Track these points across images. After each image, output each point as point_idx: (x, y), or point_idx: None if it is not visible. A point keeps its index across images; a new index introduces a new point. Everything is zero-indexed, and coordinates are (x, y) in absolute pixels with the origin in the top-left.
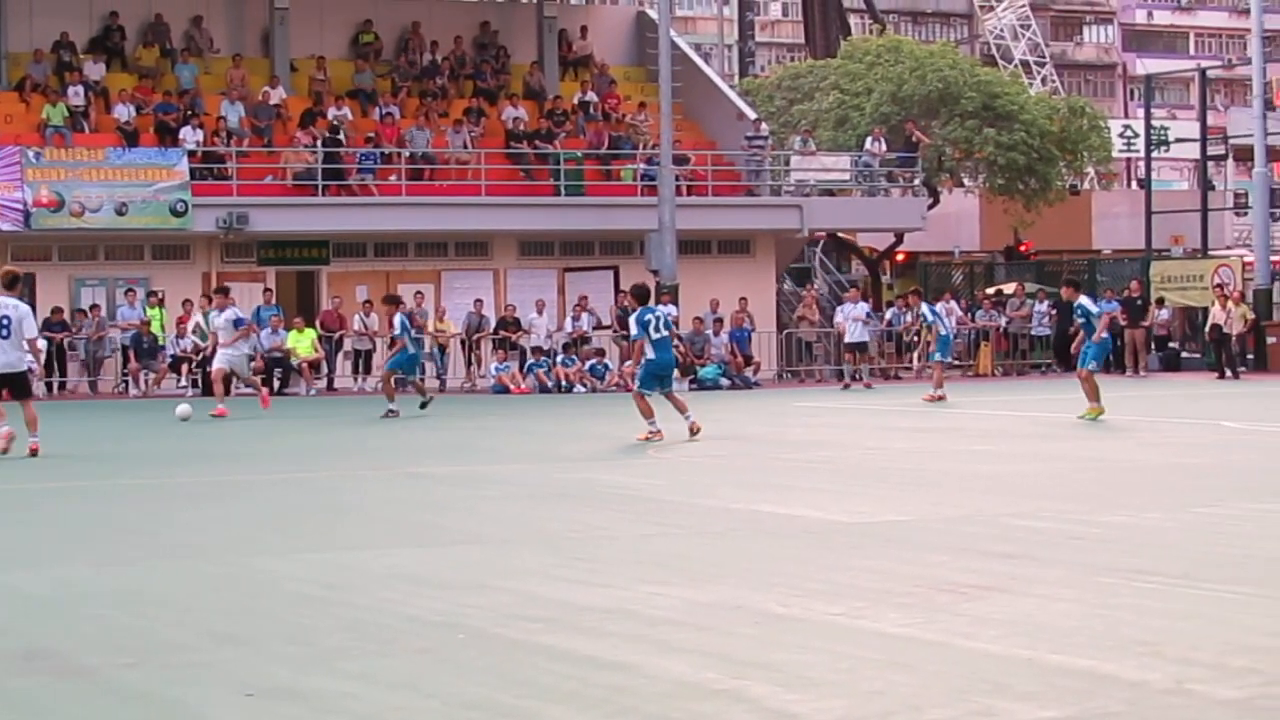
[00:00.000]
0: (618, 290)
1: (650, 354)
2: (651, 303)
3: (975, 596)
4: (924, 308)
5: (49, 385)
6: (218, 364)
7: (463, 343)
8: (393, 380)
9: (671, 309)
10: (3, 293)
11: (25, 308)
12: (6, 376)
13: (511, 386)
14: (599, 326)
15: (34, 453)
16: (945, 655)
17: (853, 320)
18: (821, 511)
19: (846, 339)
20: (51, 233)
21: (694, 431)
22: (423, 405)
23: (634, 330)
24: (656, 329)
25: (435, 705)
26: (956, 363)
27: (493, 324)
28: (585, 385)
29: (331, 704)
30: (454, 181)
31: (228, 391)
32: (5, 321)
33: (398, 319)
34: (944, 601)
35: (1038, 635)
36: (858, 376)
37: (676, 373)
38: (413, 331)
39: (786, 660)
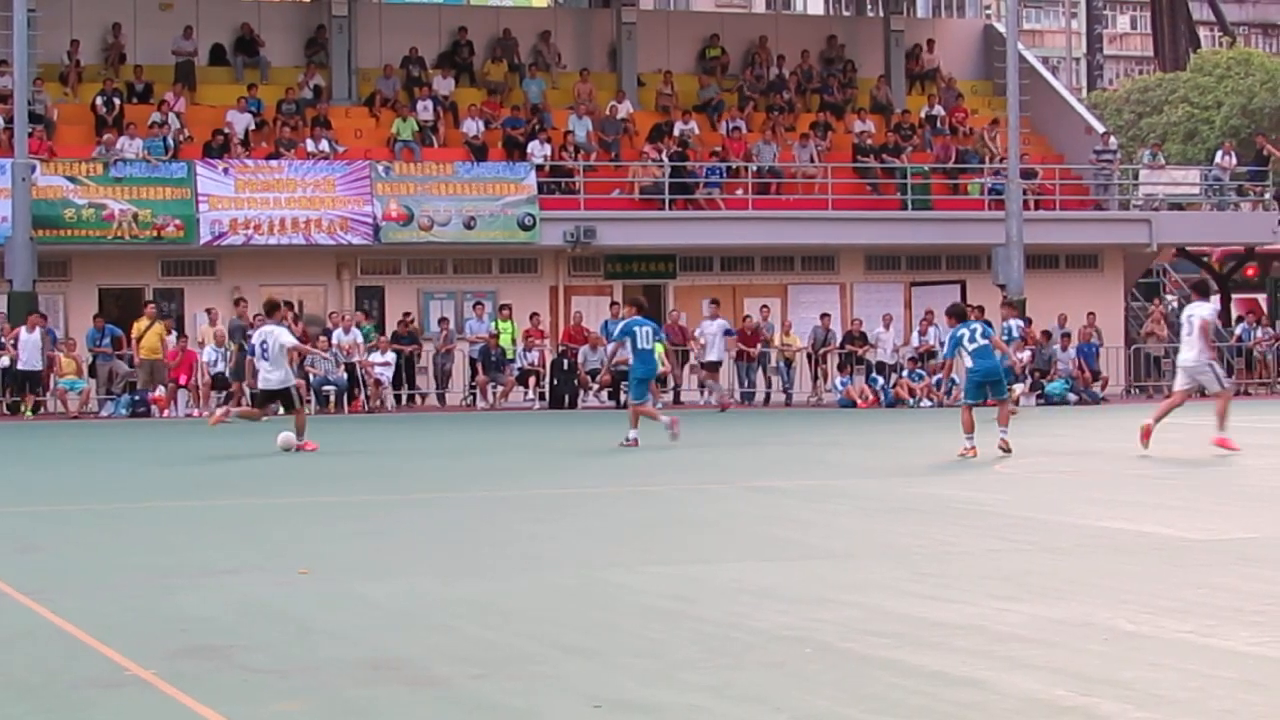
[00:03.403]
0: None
1: (969, 363)
2: (971, 318)
3: None
4: None
5: (397, 398)
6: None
7: (809, 356)
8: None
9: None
10: (265, 320)
11: (282, 330)
12: (274, 393)
13: (858, 400)
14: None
15: (306, 449)
16: None
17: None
18: (1171, 528)
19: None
20: (400, 246)
21: (1004, 449)
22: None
23: (946, 349)
24: (972, 339)
25: (780, 718)
26: None
27: (839, 338)
28: (931, 400)
29: (678, 716)
30: (800, 195)
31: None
32: (265, 346)
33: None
34: None
35: None
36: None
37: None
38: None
39: (1136, 678)
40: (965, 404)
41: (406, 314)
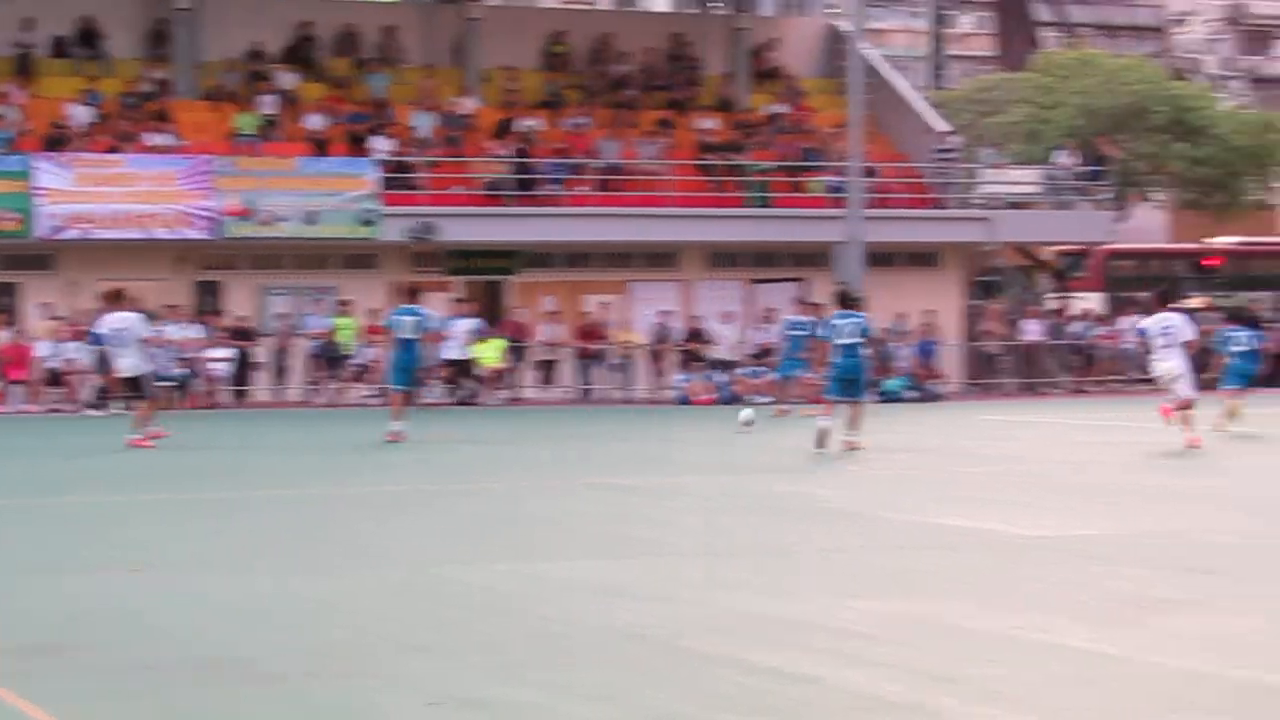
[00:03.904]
0: (800, 301)
1: (836, 358)
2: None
3: (1162, 611)
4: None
5: (238, 394)
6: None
7: (648, 353)
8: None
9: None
10: (112, 308)
11: (137, 317)
12: (133, 380)
13: (696, 397)
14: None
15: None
16: (1131, 671)
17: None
18: (1009, 525)
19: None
20: (241, 241)
21: (851, 449)
22: None
23: (823, 332)
24: (839, 334)
25: (621, 716)
26: (1142, 378)
27: (679, 335)
28: (769, 396)
29: (517, 714)
30: (643, 192)
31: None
32: (120, 333)
33: None
34: (1130, 616)
35: (1225, 651)
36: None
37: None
38: None
39: (972, 674)
40: (829, 399)
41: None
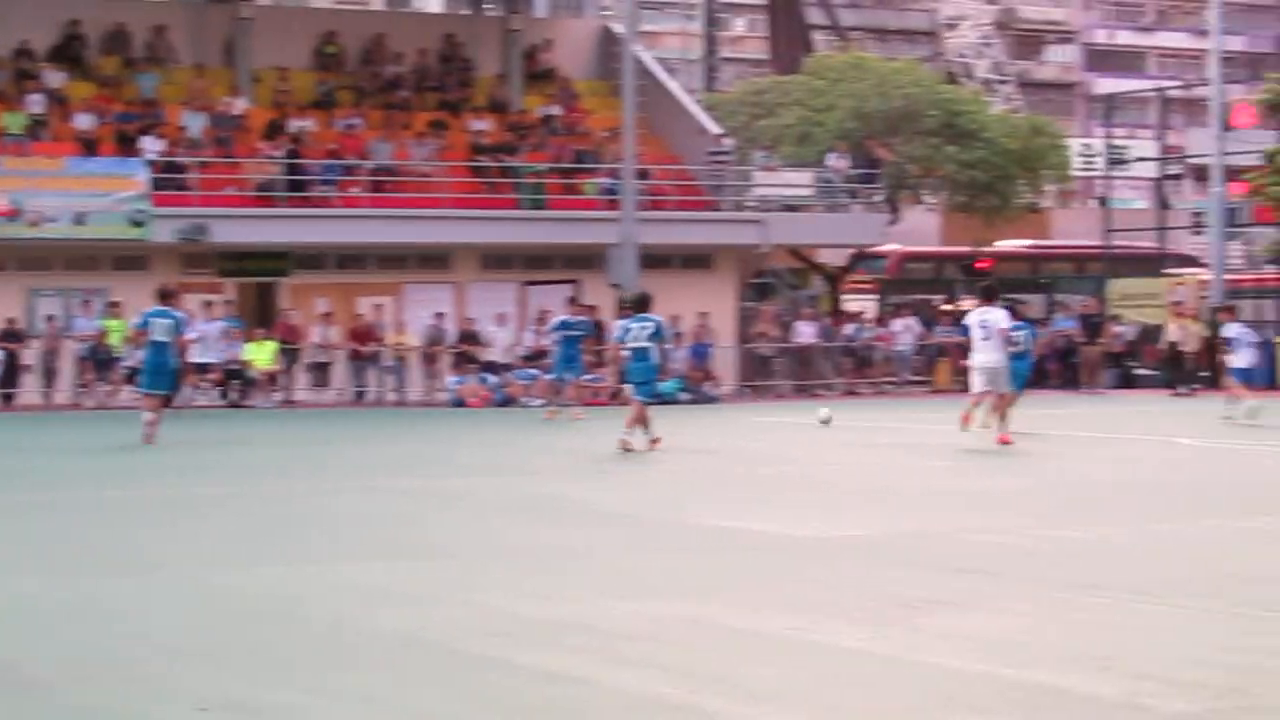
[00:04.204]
0: (570, 300)
1: (630, 359)
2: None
3: (931, 611)
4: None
5: (5, 397)
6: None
7: (422, 356)
8: None
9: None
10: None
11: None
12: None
13: (470, 400)
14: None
15: None
16: (900, 669)
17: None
18: (781, 526)
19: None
20: (7, 242)
21: (626, 448)
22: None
23: (616, 335)
24: (635, 336)
25: (388, 719)
26: (916, 379)
27: (453, 337)
28: (543, 399)
29: (285, 717)
30: (416, 194)
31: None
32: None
33: None
34: (900, 616)
35: (992, 649)
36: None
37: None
38: None
39: (744, 674)
40: (636, 399)
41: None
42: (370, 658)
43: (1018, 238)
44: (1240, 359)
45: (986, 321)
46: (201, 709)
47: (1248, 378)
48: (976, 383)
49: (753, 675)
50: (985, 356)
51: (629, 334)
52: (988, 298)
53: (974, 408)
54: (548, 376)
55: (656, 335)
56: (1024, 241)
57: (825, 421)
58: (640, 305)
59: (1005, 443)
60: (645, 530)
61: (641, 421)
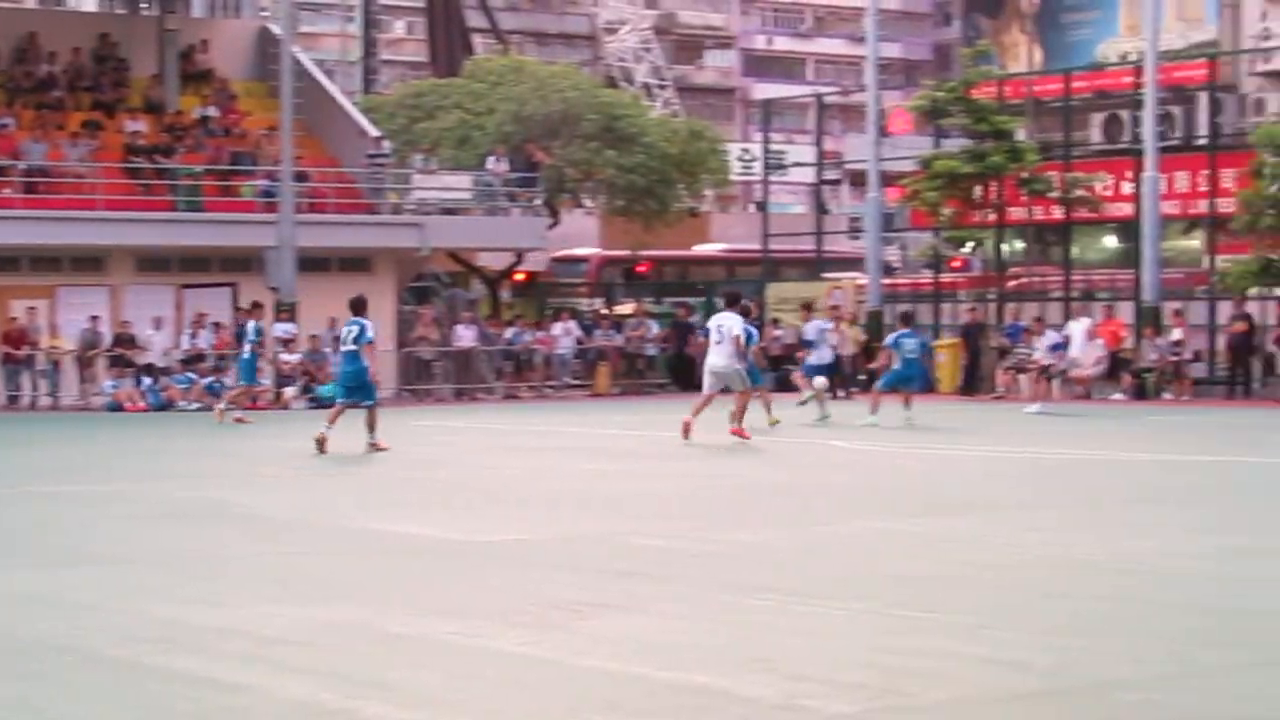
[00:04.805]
0: (236, 308)
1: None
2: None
3: (591, 615)
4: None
5: None
6: None
7: (77, 359)
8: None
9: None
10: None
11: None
12: None
13: (127, 404)
14: (219, 345)
15: None
16: (560, 673)
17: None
18: (440, 530)
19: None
20: None
21: (376, 449)
22: None
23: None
24: (344, 340)
25: None
26: (576, 383)
27: (108, 341)
28: (200, 402)
29: None
30: (70, 195)
31: None
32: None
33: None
34: (560, 620)
35: (652, 653)
36: None
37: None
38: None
39: (403, 679)
40: (340, 403)
41: None
42: (27, 667)
43: (677, 243)
44: (816, 356)
45: (722, 326)
46: None
47: (818, 373)
48: (706, 384)
49: (413, 680)
50: (715, 360)
51: (340, 338)
52: (730, 304)
53: (695, 416)
54: (241, 382)
55: (361, 338)
56: (719, 246)
57: (803, 404)
58: (355, 308)
59: (741, 436)
60: (307, 535)
61: (367, 425)
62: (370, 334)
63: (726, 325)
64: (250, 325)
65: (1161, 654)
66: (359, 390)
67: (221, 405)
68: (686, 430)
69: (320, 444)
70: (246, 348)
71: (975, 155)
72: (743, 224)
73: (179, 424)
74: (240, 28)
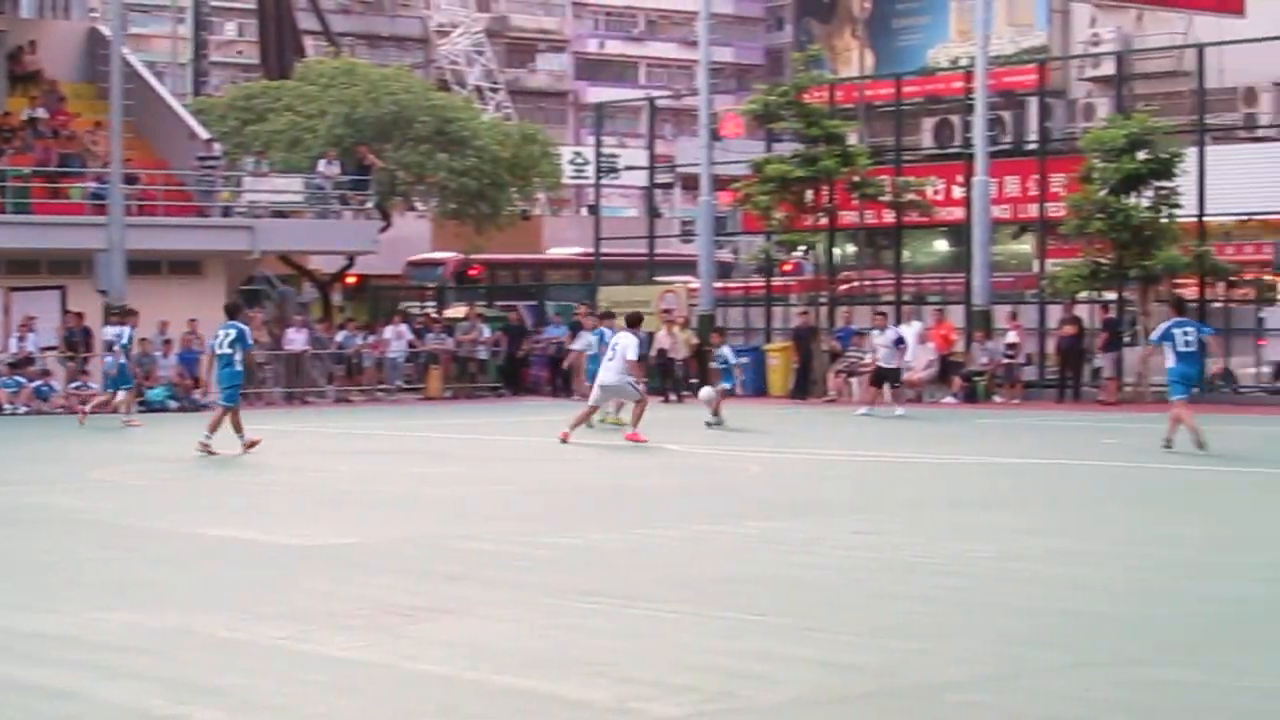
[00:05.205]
0: (65, 310)
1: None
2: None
3: (421, 618)
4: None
5: None
6: None
7: None
8: None
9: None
10: (623, 328)
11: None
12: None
13: None
14: (46, 348)
15: None
16: (391, 678)
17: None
18: (269, 534)
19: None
20: None
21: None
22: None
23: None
24: (220, 345)
25: None
26: (408, 386)
27: None
28: (28, 407)
29: None
30: None
31: None
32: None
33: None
34: (390, 624)
35: (483, 656)
36: None
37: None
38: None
39: (233, 685)
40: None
41: None
42: None
43: (509, 246)
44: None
45: (618, 345)
46: None
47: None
48: (594, 396)
49: (243, 685)
50: (607, 376)
51: (217, 341)
52: (631, 325)
53: (573, 427)
54: (123, 388)
55: (238, 341)
56: (576, 249)
57: (709, 401)
58: (230, 313)
59: (636, 440)
60: (135, 540)
61: (234, 427)
62: (250, 340)
63: (623, 344)
64: (125, 331)
65: (990, 655)
66: (234, 391)
67: (123, 415)
68: (564, 440)
69: (251, 446)
70: (119, 354)
71: (807, 159)
72: (575, 228)
73: (7, 428)
74: (69, 29)
